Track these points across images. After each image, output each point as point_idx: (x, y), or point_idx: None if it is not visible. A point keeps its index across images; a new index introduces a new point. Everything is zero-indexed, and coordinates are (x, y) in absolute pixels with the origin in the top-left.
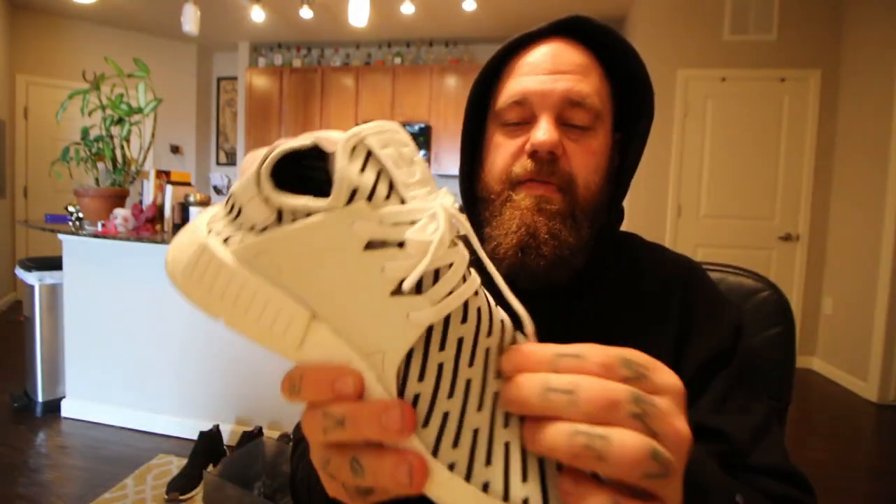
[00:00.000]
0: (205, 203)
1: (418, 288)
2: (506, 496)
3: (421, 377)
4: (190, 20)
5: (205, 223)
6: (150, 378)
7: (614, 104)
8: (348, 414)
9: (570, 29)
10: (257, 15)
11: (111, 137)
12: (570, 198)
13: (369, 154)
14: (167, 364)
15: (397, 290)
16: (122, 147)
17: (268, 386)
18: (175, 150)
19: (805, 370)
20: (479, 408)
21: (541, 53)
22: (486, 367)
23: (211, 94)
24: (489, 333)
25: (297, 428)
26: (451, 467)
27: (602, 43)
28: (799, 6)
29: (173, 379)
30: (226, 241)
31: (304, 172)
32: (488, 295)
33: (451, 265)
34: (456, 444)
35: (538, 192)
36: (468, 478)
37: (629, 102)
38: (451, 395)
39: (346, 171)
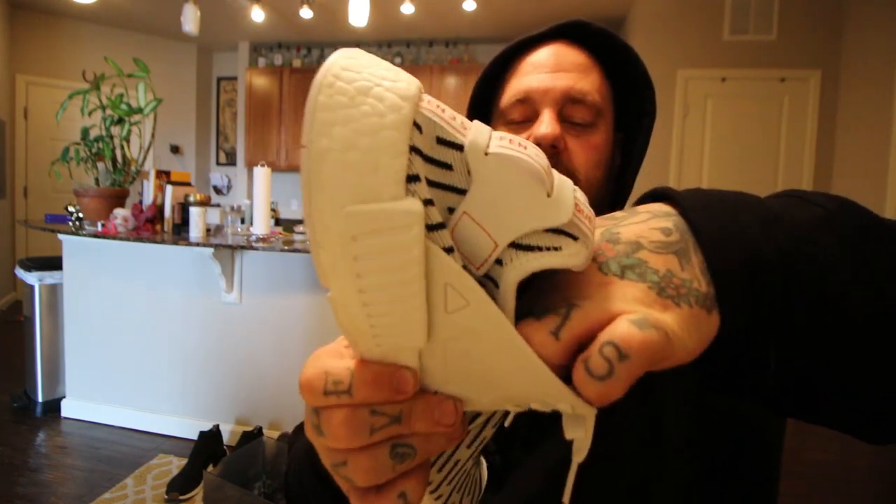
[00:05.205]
0: (205, 203)
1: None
2: None
3: None
4: (190, 20)
5: (408, 148)
6: (150, 378)
7: (615, 105)
8: (405, 410)
9: (569, 33)
10: (257, 15)
11: (111, 137)
12: None
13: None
14: (167, 364)
15: None
16: (122, 147)
17: (268, 386)
18: (175, 150)
19: None
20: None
21: (542, 54)
22: None
23: (211, 94)
24: None
25: (295, 431)
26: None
27: (602, 46)
28: (799, 6)
29: (173, 379)
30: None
31: None
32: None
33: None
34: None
35: None
36: None
37: (631, 103)
38: None
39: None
